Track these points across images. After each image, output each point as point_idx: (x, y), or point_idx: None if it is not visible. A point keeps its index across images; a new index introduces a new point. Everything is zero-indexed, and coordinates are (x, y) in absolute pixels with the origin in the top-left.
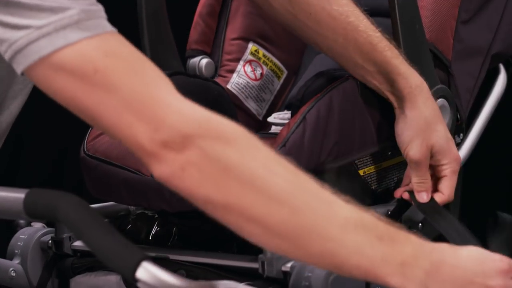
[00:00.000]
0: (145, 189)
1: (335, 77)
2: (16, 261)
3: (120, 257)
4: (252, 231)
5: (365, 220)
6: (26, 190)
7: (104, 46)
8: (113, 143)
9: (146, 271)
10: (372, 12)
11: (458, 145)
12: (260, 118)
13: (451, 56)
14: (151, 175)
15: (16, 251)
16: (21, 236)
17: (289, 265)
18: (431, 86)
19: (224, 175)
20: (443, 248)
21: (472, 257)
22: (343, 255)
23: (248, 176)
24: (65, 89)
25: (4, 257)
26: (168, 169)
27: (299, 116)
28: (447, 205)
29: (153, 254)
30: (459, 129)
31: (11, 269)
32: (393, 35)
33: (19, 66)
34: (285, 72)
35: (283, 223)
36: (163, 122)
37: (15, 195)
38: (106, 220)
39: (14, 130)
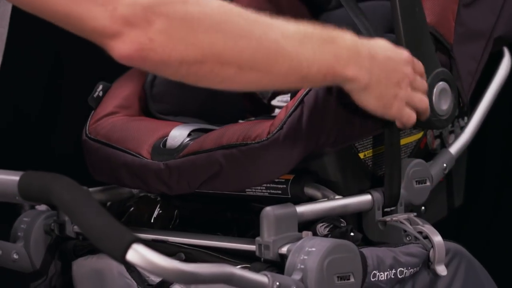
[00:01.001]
0: (144, 172)
1: None
2: (19, 243)
3: (111, 239)
4: (227, 74)
5: (307, 30)
6: (20, 173)
7: None
8: (115, 126)
9: (137, 253)
10: None
11: (462, 128)
12: (265, 101)
13: (453, 39)
14: (151, 158)
15: (19, 234)
16: (24, 219)
17: (285, 248)
18: (431, 69)
19: (193, 31)
20: (368, 40)
21: (388, 48)
22: (305, 67)
23: (213, 23)
24: None
25: (8, 240)
26: (135, 45)
27: (297, 98)
28: (450, 183)
29: (152, 237)
30: (462, 112)
31: (14, 251)
32: (392, 18)
33: None
34: None
35: (253, 55)
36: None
37: (9, 178)
38: (109, 203)
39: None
